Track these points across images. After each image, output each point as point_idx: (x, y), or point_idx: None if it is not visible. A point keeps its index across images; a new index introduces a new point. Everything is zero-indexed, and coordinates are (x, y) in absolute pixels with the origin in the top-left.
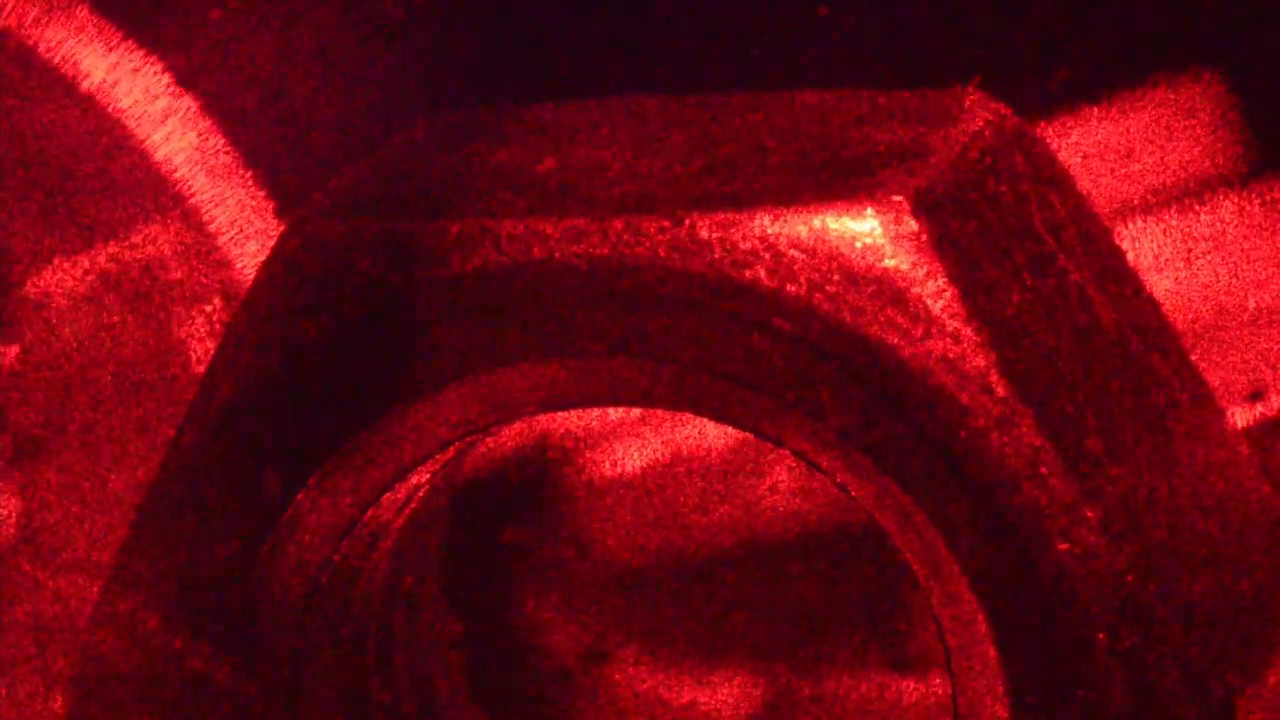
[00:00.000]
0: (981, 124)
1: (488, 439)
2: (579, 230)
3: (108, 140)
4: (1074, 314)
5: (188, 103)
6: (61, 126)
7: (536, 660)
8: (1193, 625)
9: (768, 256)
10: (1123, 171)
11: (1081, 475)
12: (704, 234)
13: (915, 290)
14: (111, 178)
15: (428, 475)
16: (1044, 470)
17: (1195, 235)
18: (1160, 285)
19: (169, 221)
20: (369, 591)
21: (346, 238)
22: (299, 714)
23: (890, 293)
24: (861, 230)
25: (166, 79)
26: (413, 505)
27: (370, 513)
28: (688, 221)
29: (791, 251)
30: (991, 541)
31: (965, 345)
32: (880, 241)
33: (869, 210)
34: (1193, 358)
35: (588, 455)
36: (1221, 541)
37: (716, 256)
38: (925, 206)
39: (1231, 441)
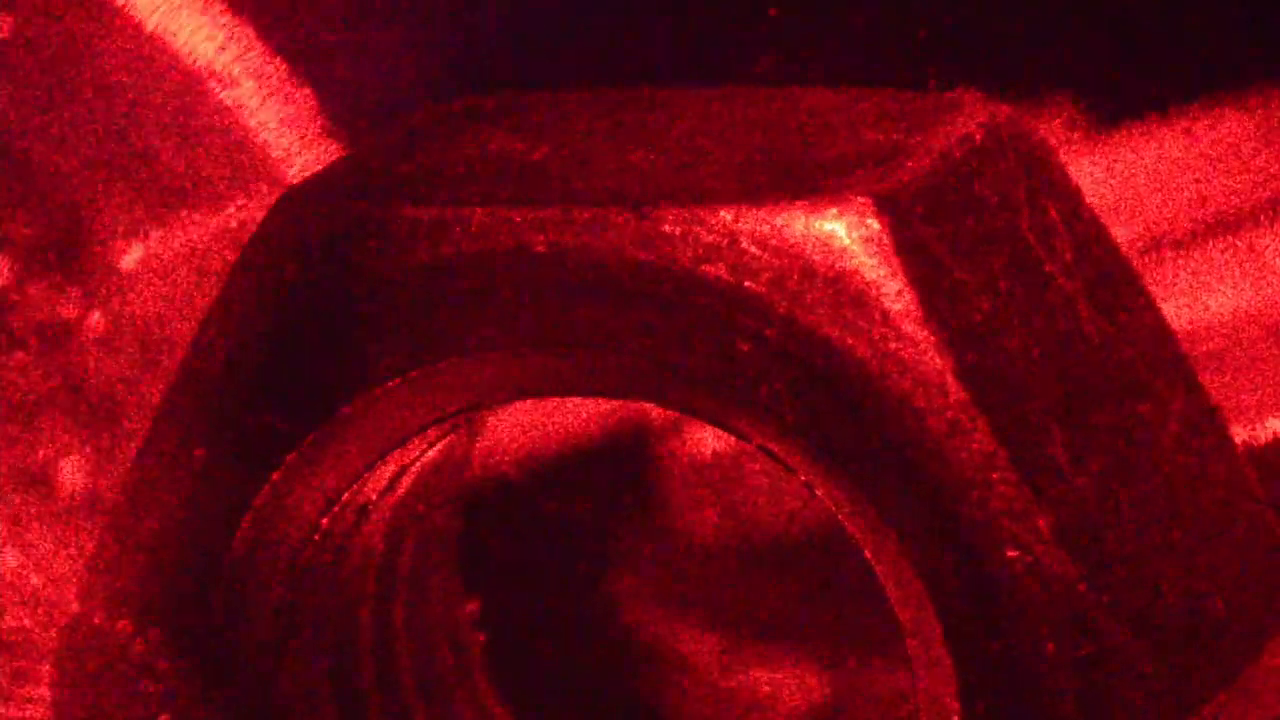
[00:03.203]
0: (972, 127)
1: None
2: (546, 220)
3: (200, 110)
4: (1054, 320)
5: (280, 72)
6: (156, 96)
7: (568, 643)
8: (1149, 638)
9: (729, 252)
10: (1201, 184)
11: (1037, 483)
12: (667, 228)
13: (873, 292)
14: (203, 148)
15: (415, 455)
16: (996, 476)
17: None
18: (1219, 302)
19: (257, 193)
20: (360, 569)
21: (325, 219)
22: (283, 692)
23: (849, 293)
24: (823, 230)
25: (260, 48)
26: (404, 487)
27: (347, 496)
28: (653, 214)
29: (753, 248)
30: (944, 546)
31: (921, 348)
32: (841, 242)
33: (832, 210)
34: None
35: (663, 438)
36: (1198, 556)
37: (679, 250)
38: (892, 208)
39: (1229, 457)
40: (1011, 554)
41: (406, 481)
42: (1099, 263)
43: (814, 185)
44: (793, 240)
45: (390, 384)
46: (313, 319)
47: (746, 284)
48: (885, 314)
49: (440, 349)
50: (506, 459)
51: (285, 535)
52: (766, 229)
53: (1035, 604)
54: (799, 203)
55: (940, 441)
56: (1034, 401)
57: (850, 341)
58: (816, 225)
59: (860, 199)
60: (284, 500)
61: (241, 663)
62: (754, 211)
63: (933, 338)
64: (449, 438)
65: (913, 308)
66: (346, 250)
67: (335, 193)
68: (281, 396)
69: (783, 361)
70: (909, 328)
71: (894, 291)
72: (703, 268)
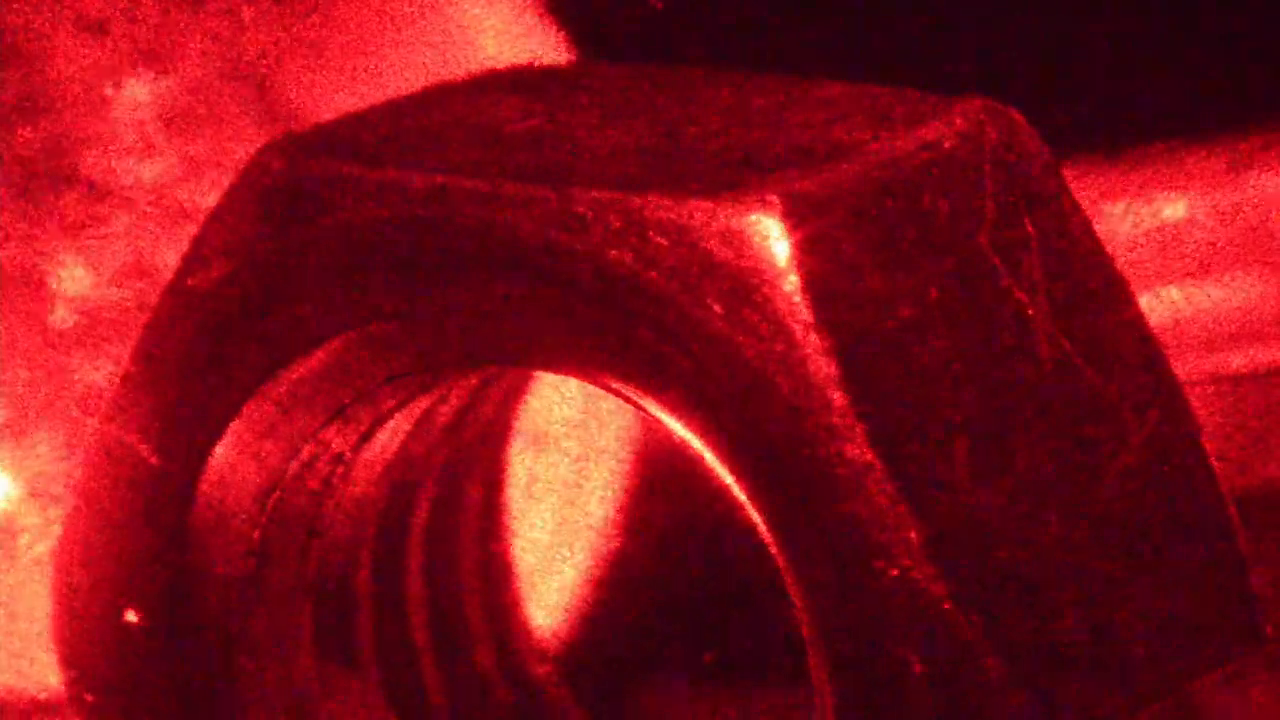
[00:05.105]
0: (945, 131)
1: None
2: (474, 192)
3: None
4: (996, 335)
5: (550, 35)
6: (412, 37)
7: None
8: (1025, 667)
9: (635, 239)
10: None
11: (918, 497)
12: (581, 209)
13: (768, 290)
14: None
15: (387, 410)
16: (871, 486)
17: None
18: None
19: None
20: (353, 516)
21: (291, 172)
22: (258, 632)
23: (744, 290)
24: (728, 225)
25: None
26: (397, 440)
27: (313, 446)
28: (569, 195)
29: (658, 238)
30: (821, 553)
31: (808, 351)
32: (743, 238)
33: (739, 206)
34: None
35: None
36: (1124, 590)
37: (590, 232)
38: (805, 209)
39: (1204, 492)
40: (879, 565)
41: (395, 436)
42: (1078, 281)
43: (735, 180)
44: (697, 232)
45: (326, 344)
46: (256, 273)
47: (649, 272)
48: (776, 314)
49: (371, 312)
50: None
51: (251, 477)
52: (674, 219)
53: (902, 619)
54: (709, 197)
55: (819, 447)
56: (940, 414)
57: (740, 339)
58: (722, 220)
59: (771, 197)
60: (247, 447)
61: (210, 601)
62: (664, 201)
63: (821, 342)
64: (453, 398)
65: (804, 310)
66: (291, 205)
67: (302, 147)
68: (235, 346)
69: (679, 352)
70: (798, 330)
71: (788, 292)
72: (610, 252)
